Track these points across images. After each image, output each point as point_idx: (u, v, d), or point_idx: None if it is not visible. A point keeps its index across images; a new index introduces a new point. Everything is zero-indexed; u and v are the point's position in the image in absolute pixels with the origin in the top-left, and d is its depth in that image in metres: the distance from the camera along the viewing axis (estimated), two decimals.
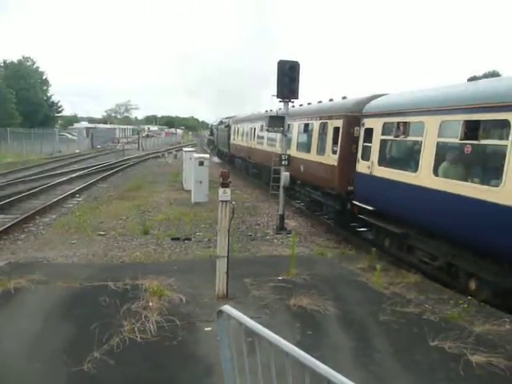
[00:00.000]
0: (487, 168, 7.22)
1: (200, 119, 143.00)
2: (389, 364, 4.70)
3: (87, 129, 62.22)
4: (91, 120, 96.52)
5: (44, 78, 63.11)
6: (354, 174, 11.35)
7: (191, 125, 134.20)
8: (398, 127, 9.34)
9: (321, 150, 13.82)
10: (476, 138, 6.99)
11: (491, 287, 7.07)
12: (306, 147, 15.16)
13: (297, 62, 11.86)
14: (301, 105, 17.13)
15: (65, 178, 21.85)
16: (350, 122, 11.92)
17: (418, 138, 8.59)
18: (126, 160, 34.48)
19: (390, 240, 10.13)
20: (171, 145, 64.89)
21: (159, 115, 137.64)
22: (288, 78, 11.77)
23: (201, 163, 16.12)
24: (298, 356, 2.13)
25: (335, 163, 12.58)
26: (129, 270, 7.48)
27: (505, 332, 5.55)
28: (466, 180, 7.29)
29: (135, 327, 5.16)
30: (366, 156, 10.69)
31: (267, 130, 13.54)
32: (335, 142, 12.71)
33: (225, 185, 6.27)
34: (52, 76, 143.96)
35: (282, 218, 12.58)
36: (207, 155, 18.42)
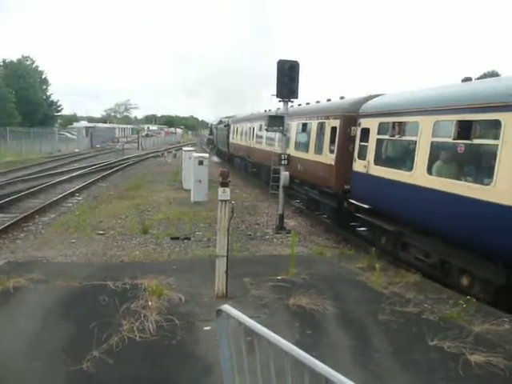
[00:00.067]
0: (479, 167, 7.34)
1: (200, 118, 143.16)
2: (388, 363, 4.70)
3: (87, 128, 62.13)
4: (91, 119, 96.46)
5: (43, 77, 63.07)
6: (350, 173, 11.50)
7: (191, 124, 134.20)
8: (394, 127, 9.49)
9: (318, 150, 13.94)
10: (468, 138, 7.13)
11: (484, 284, 7.18)
12: (304, 147, 15.28)
13: (296, 62, 11.87)
14: (299, 104, 17.18)
15: (64, 177, 21.84)
16: (347, 122, 12.06)
17: (413, 138, 8.73)
18: (125, 159, 34.46)
19: (385, 238, 10.27)
20: (171, 144, 64.90)
21: (159, 114, 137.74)
22: (287, 77, 11.78)
23: (200, 162, 16.12)
24: (297, 355, 2.14)
25: (332, 162, 12.72)
26: (128, 270, 7.48)
27: (504, 331, 5.55)
28: (458, 179, 7.41)
29: (134, 326, 5.16)
30: (362, 155, 10.84)
31: (266, 130, 13.59)
32: (332, 141, 12.85)
33: (224, 184, 6.27)
34: (52, 75, 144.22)
35: (281, 217, 12.59)
36: (207, 154, 18.42)
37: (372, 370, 4.54)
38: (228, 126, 32.87)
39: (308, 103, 17.26)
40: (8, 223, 11.84)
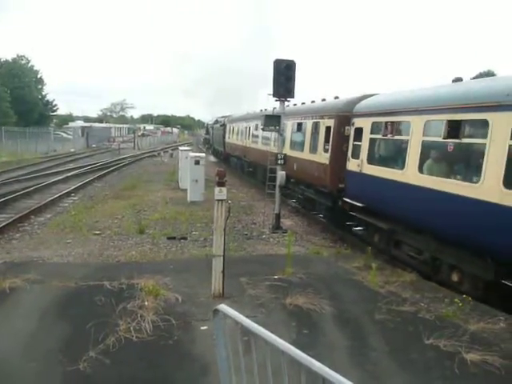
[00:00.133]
0: (468, 165, 7.50)
1: (196, 118, 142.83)
2: (384, 362, 4.72)
3: (82, 128, 61.92)
4: (86, 119, 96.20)
5: (39, 76, 62.79)
6: (344, 172, 11.64)
7: (187, 124, 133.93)
8: (386, 126, 9.64)
9: (313, 149, 14.05)
10: (458, 137, 7.30)
11: (473, 280, 7.32)
12: (300, 146, 15.39)
13: (292, 61, 11.87)
14: (295, 104, 17.23)
15: (60, 177, 21.76)
16: (341, 122, 12.18)
17: (405, 137, 8.91)
18: (121, 159, 34.38)
19: (379, 236, 10.41)
20: (167, 144, 64.77)
21: (155, 114, 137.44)
22: (284, 77, 11.78)
23: (197, 162, 16.10)
24: (294, 355, 2.14)
25: (327, 161, 12.83)
26: (124, 270, 7.46)
27: (499, 330, 5.58)
28: (448, 177, 7.58)
29: (131, 326, 5.16)
30: (356, 154, 10.99)
31: (263, 130, 13.60)
32: (327, 140, 12.98)
33: (221, 184, 6.27)
34: (48, 75, 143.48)
35: (277, 217, 12.59)
36: (203, 154, 18.42)
37: (369, 369, 4.56)
38: (224, 125, 32.89)
39: (303, 103, 17.33)
40: (3, 223, 11.79)
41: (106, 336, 4.90)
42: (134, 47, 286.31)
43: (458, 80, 8.34)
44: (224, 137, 32.35)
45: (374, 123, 10.28)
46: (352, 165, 11.11)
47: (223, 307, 2.68)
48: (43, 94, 63.98)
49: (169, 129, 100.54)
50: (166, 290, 6.36)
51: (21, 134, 39.52)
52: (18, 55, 60.48)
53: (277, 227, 12.40)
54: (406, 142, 8.77)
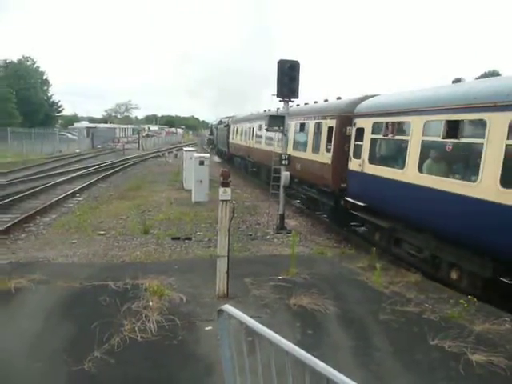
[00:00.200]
0: (466, 165, 7.62)
1: (200, 119, 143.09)
2: (389, 363, 4.71)
3: (87, 128, 62.11)
4: (91, 120, 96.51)
5: (44, 77, 63.21)
6: (346, 172, 11.76)
7: (191, 124, 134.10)
8: (387, 127, 9.80)
9: (316, 149, 14.18)
10: (456, 137, 7.45)
11: (472, 278, 7.44)
12: (303, 146, 15.51)
13: (297, 62, 11.87)
14: (297, 105, 17.28)
15: (65, 178, 21.85)
16: (343, 122, 12.32)
17: (405, 137, 9.05)
18: (126, 160, 34.48)
19: (379, 234, 10.55)
20: (171, 144, 64.89)
21: (159, 115, 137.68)
22: (288, 77, 11.78)
23: (201, 163, 16.12)
24: (299, 355, 2.14)
25: (329, 161, 12.94)
26: (129, 270, 7.48)
27: (505, 331, 5.56)
28: (447, 176, 7.73)
29: (136, 327, 5.17)
30: (357, 154, 11.13)
31: (267, 130, 13.63)
32: (329, 140, 13.10)
33: (225, 184, 6.27)
34: (53, 76, 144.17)
35: (282, 217, 12.59)
36: (207, 155, 18.43)
37: (373, 369, 4.55)
38: (228, 126, 32.97)
39: (306, 103, 17.40)
40: (9, 224, 11.86)
41: (110, 336, 4.92)
42: (137, 48, 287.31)
43: (457, 81, 8.43)
44: (228, 137, 32.41)
45: (374, 123, 10.41)
46: (354, 164, 11.24)
47: (228, 307, 2.68)
48: (49, 95, 64.35)
49: (173, 129, 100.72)
50: (171, 291, 6.38)
51: (26, 135, 39.72)
52: (23, 56, 60.97)
53: (281, 228, 12.39)
54: (406, 141, 8.91)
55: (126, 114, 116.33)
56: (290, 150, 15.47)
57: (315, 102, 16.60)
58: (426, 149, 8.36)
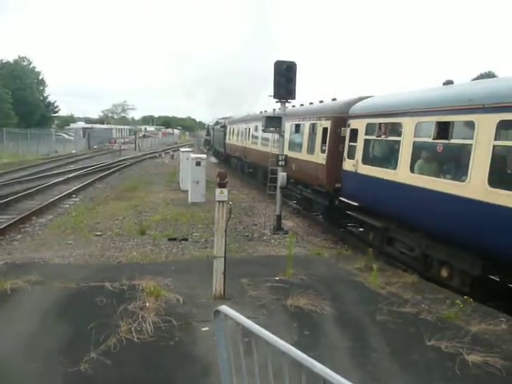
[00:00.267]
0: (456, 165, 7.83)
1: (197, 119, 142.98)
2: (385, 364, 4.71)
3: (84, 129, 61.99)
4: (88, 120, 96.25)
5: (40, 78, 63.01)
6: (340, 172, 11.91)
7: (188, 125, 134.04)
8: (380, 128, 10.01)
9: (311, 150, 14.36)
10: (446, 138, 7.64)
11: (462, 275, 7.59)
12: (298, 147, 15.67)
13: (293, 63, 11.88)
14: (293, 106, 17.36)
15: (61, 179, 21.79)
16: (338, 123, 12.48)
17: (397, 138, 9.22)
18: (122, 160, 34.43)
19: (373, 234, 10.70)
20: (168, 145, 64.86)
21: (156, 115, 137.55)
22: (285, 78, 11.80)
23: (198, 163, 16.13)
24: (295, 356, 2.14)
25: (324, 162, 13.11)
26: (125, 271, 7.46)
27: (501, 331, 5.57)
28: (438, 176, 7.93)
29: (132, 327, 5.15)
30: (351, 155, 11.30)
31: (263, 131, 13.66)
32: (324, 141, 13.28)
33: (222, 185, 6.27)
34: (49, 76, 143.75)
35: (279, 218, 12.59)
36: (204, 155, 18.44)
37: (370, 370, 4.55)
38: (224, 126, 33.03)
39: (302, 105, 17.51)
40: (5, 224, 11.81)
41: (107, 337, 4.90)
42: (134, 48, 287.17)
43: (448, 83, 8.59)
44: (224, 138, 32.47)
45: (368, 124, 10.59)
46: (348, 165, 11.39)
47: (224, 308, 2.68)
48: (45, 95, 64.14)
49: (170, 130, 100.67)
50: (167, 291, 6.36)
51: (22, 136, 39.60)
52: (19, 56, 60.75)
53: (278, 228, 12.40)
54: (399, 142, 9.08)
55: (122, 114, 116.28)
56: (286, 151, 15.51)
57: (311, 104, 16.78)
58: (417, 149, 8.53)
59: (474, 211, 6.85)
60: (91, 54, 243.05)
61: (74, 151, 44.24)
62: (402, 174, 8.80)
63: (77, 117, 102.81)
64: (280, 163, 12.34)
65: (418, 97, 9.00)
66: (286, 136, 16.30)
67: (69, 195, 17.63)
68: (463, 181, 7.11)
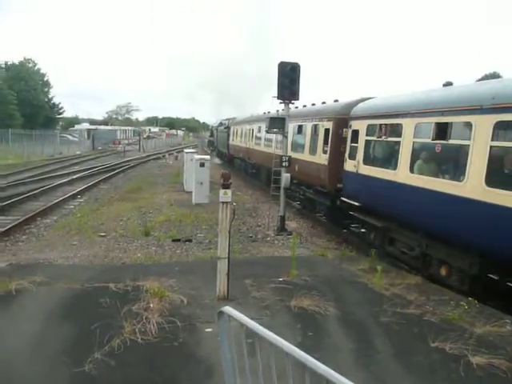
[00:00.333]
0: (454, 165, 7.89)
1: (201, 121, 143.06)
2: (390, 365, 4.70)
3: (88, 130, 62.30)
4: (92, 121, 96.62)
5: (45, 79, 63.35)
6: (342, 173, 12.00)
7: (192, 126, 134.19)
8: (381, 129, 10.11)
9: (313, 150, 14.47)
10: (445, 139, 7.74)
11: (460, 274, 7.67)
12: (301, 148, 15.78)
13: (297, 64, 11.89)
14: (296, 107, 17.41)
15: (66, 180, 21.89)
16: (339, 124, 12.61)
17: (397, 139, 9.32)
18: (126, 161, 34.53)
19: (374, 234, 10.78)
20: (172, 146, 64.99)
21: (160, 116, 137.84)
22: (288, 79, 11.82)
23: (202, 164, 16.15)
24: (299, 357, 2.14)
25: (326, 162, 13.22)
26: (129, 272, 7.48)
27: (506, 333, 5.54)
28: (437, 176, 8.05)
29: (136, 328, 5.17)
30: (352, 155, 11.39)
31: (267, 132, 13.73)
32: (326, 142, 13.39)
33: (225, 186, 6.27)
34: (54, 77, 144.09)
35: (282, 219, 12.59)
36: (208, 156, 18.46)
37: (374, 371, 4.54)
38: (228, 127, 33.13)
39: (305, 106, 17.59)
40: (10, 225, 11.87)
41: (111, 338, 4.91)
42: (138, 50, 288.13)
43: (448, 84, 8.69)
44: (228, 139, 32.54)
45: (369, 125, 10.69)
46: (349, 165, 11.50)
47: (228, 309, 2.68)
48: (49, 96, 64.46)
49: (174, 131, 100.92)
50: (171, 292, 6.37)
51: (27, 137, 39.83)
52: (25, 58, 61.05)
53: (281, 229, 12.39)
54: (399, 143, 9.20)
55: (126, 115, 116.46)
56: (289, 152, 15.60)
57: (313, 105, 16.89)
58: (416, 150, 8.65)
59: (472, 211, 6.96)
60: (96, 55, 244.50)
61: (78, 152, 44.41)
62: (402, 174, 8.91)
63: (81, 118, 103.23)
64: (284, 164, 12.35)
65: (417, 98, 9.13)
66: (289, 137, 16.39)
67: (73, 196, 17.70)
68: (461, 181, 7.22)
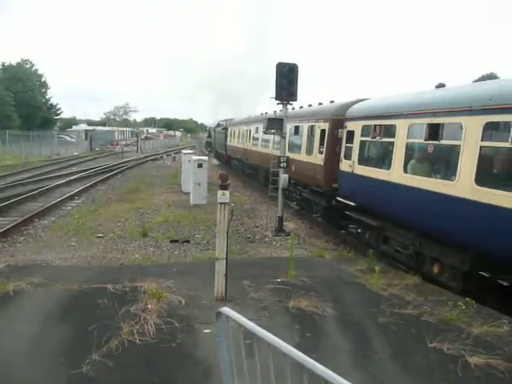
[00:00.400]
0: (446, 165, 8.08)
1: (199, 122, 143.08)
2: (387, 365, 4.71)
3: (86, 131, 62.17)
4: (90, 122, 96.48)
5: (43, 80, 63.20)
6: (338, 173, 12.14)
7: (190, 127, 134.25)
8: (375, 129, 10.28)
9: (309, 151, 14.63)
10: (437, 139, 7.93)
11: (452, 272, 7.83)
12: (297, 148, 15.92)
13: (295, 65, 11.91)
14: (293, 108, 17.46)
15: (63, 181, 21.85)
16: (335, 125, 12.75)
17: (391, 139, 9.49)
18: (124, 162, 34.50)
19: (369, 233, 10.93)
20: (170, 147, 64.97)
21: (158, 118, 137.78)
22: (286, 80, 11.84)
23: (199, 165, 16.16)
24: (297, 358, 2.14)
25: (322, 163, 13.35)
26: (127, 273, 7.48)
27: (503, 333, 5.56)
28: (429, 176, 8.21)
29: (134, 329, 5.16)
30: (348, 156, 11.56)
31: (264, 132, 13.76)
32: (322, 143, 13.54)
33: (224, 187, 6.28)
34: (51, 78, 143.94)
35: (280, 219, 12.60)
36: (206, 157, 18.46)
37: (372, 372, 4.54)
38: (226, 128, 33.19)
39: (301, 107, 17.67)
40: (8, 226, 11.84)
41: (109, 339, 4.91)
42: (136, 51, 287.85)
43: (440, 86, 8.86)
44: (226, 140, 32.60)
45: (364, 126, 10.87)
46: (344, 165, 11.66)
47: (226, 310, 2.68)
48: (47, 97, 64.32)
49: (171, 132, 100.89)
50: (169, 293, 6.36)
51: (25, 138, 39.81)
52: (22, 59, 60.91)
53: (279, 230, 12.40)
54: (392, 143, 9.37)
55: (124, 116, 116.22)
56: (286, 152, 15.68)
57: (310, 106, 17.03)
58: (410, 150, 8.84)
59: (463, 209, 7.12)
60: (94, 56, 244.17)
61: (76, 153, 44.36)
62: (396, 174, 9.07)
63: (79, 119, 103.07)
64: (281, 165, 12.36)
65: (410, 99, 9.31)
66: (286, 137, 16.45)
67: (71, 197, 17.68)
68: (452, 180, 7.39)
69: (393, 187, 9.11)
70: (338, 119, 12.56)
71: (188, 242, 10.87)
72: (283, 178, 12.40)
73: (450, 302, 6.66)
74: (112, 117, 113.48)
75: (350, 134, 11.48)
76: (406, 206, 8.70)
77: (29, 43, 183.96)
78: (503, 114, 6.49)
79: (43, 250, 10.09)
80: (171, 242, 10.78)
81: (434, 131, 7.96)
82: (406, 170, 8.77)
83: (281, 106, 12.55)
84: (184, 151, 22.81)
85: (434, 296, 7.07)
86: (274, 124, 12.49)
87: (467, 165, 7.02)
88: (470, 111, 7.07)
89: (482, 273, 7.48)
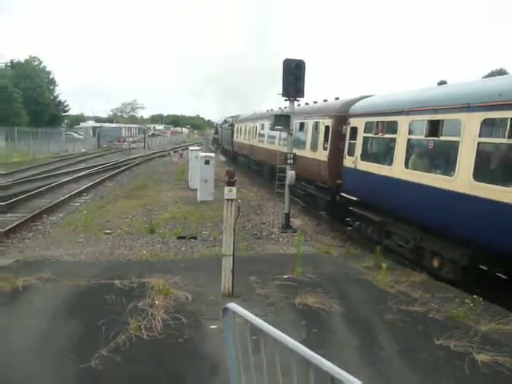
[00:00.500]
0: (445, 161, 8.23)
1: (206, 118, 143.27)
2: (394, 362, 4.71)
3: (93, 128, 62.39)
4: (97, 119, 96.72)
5: (51, 77, 63.39)
6: (341, 169, 12.30)
7: (197, 124, 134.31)
8: (377, 126, 10.42)
9: (314, 147, 14.80)
10: (437, 135, 8.11)
11: (451, 265, 7.98)
12: (302, 144, 16.02)
13: (302, 61, 11.86)
14: (299, 105, 17.45)
15: (71, 177, 21.99)
16: (339, 121, 12.88)
17: (393, 136, 9.65)
18: (132, 159, 34.62)
19: (371, 228, 11.07)
20: (177, 144, 65.05)
21: (165, 114, 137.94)
22: (293, 76, 11.79)
23: (206, 162, 16.17)
24: (303, 353, 2.15)
25: (326, 159, 13.52)
26: (135, 268, 7.53)
27: (511, 331, 5.53)
28: (430, 171, 8.37)
29: (141, 325, 5.20)
30: (351, 152, 11.71)
31: (271, 129, 13.81)
32: (326, 139, 13.69)
33: (230, 183, 6.29)
34: (59, 75, 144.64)
35: (287, 216, 12.59)
36: (213, 154, 18.48)
37: (378, 368, 4.55)
38: (232, 125, 33.26)
39: (307, 103, 17.66)
40: (16, 222, 11.95)
41: (116, 334, 4.95)
42: (143, 47, 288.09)
43: (442, 83, 9.00)
44: (232, 136, 32.67)
45: (367, 123, 11.00)
46: (348, 161, 11.81)
47: (233, 306, 2.70)
48: (55, 94, 64.56)
49: (178, 129, 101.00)
50: (176, 289, 6.40)
51: (33, 135, 39.99)
52: (30, 56, 61.14)
53: (286, 227, 12.40)
54: (394, 140, 9.54)
55: (131, 113, 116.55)
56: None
57: (315, 102, 17.11)
58: (411, 146, 9.03)
59: (461, 204, 7.26)
60: (101, 53, 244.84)
61: (83, 150, 44.57)
62: (398, 169, 9.22)
63: (86, 116, 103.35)
64: (288, 161, 12.34)
65: (412, 96, 9.43)
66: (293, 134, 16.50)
67: (79, 193, 17.79)
68: (452, 175, 7.53)
69: (394, 183, 9.27)
70: (342, 116, 12.65)
71: (195, 238, 10.91)
72: (290, 174, 12.39)
73: (457, 299, 6.63)
74: (119, 113, 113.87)
75: (354, 131, 11.62)
76: (407, 201, 8.85)
77: (36, 41, 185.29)
78: (500, 110, 6.61)
79: (52, 245, 10.18)
80: (178, 238, 10.82)
81: (434, 128, 8.10)
82: (407, 166, 8.93)
83: (287, 102, 12.52)
84: (191, 148, 22.88)
85: (440, 293, 7.05)
86: (281, 121, 12.48)
87: (465, 161, 7.17)
88: (468, 108, 7.21)
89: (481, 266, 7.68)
